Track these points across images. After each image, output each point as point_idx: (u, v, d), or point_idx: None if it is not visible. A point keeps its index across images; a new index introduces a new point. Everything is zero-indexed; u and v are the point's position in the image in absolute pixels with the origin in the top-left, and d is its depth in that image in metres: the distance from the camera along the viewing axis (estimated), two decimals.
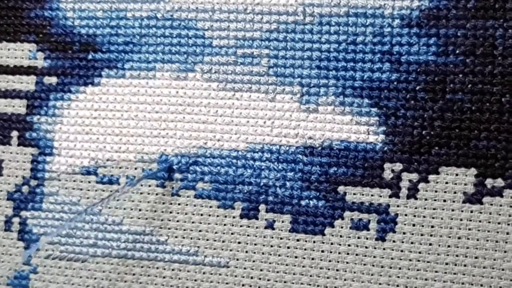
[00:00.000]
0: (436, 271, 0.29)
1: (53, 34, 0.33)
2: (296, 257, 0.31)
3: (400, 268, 0.30)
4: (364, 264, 0.30)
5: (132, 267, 0.32)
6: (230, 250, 0.31)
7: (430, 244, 0.29)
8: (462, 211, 0.29)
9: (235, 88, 0.31)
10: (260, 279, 0.31)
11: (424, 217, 0.30)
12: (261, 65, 0.31)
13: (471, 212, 0.29)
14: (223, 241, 0.31)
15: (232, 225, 0.31)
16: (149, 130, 0.32)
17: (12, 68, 0.34)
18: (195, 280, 0.32)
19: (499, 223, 0.29)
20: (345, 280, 0.30)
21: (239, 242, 0.31)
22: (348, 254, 0.30)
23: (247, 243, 0.31)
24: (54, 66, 0.33)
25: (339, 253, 0.30)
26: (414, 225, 0.30)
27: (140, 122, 0.32)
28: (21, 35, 0.34)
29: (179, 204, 0.32)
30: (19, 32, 0.34)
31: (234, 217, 0.31)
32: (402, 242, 0.30)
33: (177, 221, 0.32)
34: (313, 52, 0.31)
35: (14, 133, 0.34)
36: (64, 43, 0.33)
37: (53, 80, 0.34)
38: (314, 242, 0.31)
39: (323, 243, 0.31)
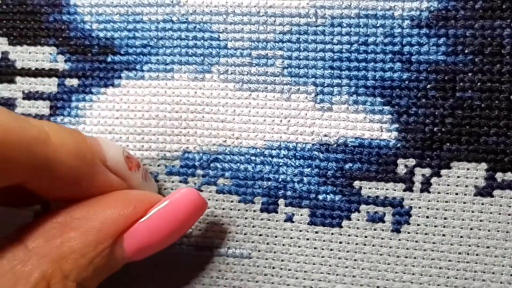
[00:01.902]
0: (449, 260, 0.30)
1: (72, 37, 0.34)
2: (315, 248, 0.32)
3: (415, 258, 0.31)
4: (381, 254, 0.31)
5: (157, 258, 0.33)
6: (252, 242, 0.32)
7: (444, 235, 0.30)
8: (474, 203, 0.30)
9: (251, 88, 0.32)
10: (281, 269, 0.32)
11: (437, 209, 0.30)
12: (276, 66, 0.32)
13: (482, 204, 0.30)
14: (245, 234, 0.32)
15: (253, 219, 0.32)
16: (170, 129, 0.33)
17: (34, 71, 0.34)
18: (219, 271, 0.33)
19: (509, 215, 0.30)
20: (362, 269, 0.31)
21: (260, 235, 0.32)
22: (365, 245, 0.31)
23: (267, 235, 0.32)
24: (74, 68, 0.34)
25: (356, 244, 0.31)
26: (427, 217, 0.31)
27: (161, 122, 0.33)
28: (41, 38, 0.34)
29: None
30: (39, 36, 0.34)
31: (254, 211, 0.32)
32: (417, 233, 0.31)
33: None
34: (326, 53, 0.31)
35: None
36: (83, 46, 0.34)
37: (75, 82, 0.34)
38: (332, 234, 0.32)
39: (341, 235, 0.32)
